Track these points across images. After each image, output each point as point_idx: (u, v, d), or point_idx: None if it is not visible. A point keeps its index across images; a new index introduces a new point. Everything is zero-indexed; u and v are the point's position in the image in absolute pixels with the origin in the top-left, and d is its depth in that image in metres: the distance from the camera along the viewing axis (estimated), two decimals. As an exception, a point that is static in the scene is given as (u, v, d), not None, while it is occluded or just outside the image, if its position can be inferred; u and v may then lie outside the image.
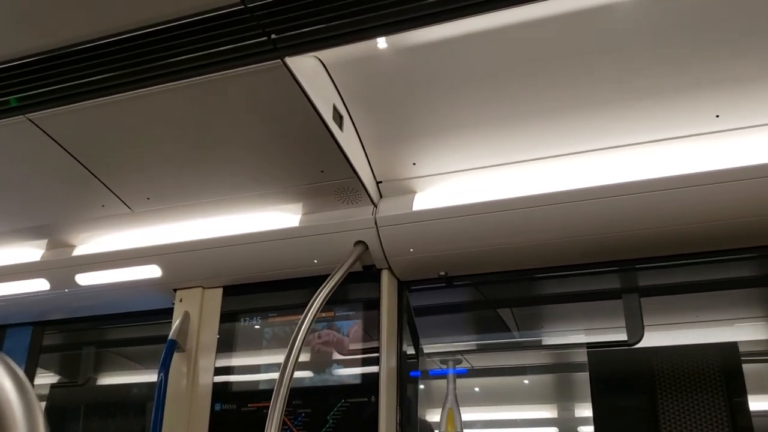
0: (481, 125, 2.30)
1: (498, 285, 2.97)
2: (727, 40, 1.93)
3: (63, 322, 3.51)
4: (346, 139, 2.31)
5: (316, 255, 2.67)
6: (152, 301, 3.12)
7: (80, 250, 3.06)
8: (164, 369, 2.75)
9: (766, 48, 1.94)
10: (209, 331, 2.90)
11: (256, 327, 2.85)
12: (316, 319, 2.28)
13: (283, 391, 2.05)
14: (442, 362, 2.97)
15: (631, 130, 2.23)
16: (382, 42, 2.02)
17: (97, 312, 3.33)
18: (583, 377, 2.94)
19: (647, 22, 1.91)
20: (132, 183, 2.64)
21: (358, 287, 2.70)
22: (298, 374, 2.62)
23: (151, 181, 2.61)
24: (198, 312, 2.93)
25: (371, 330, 2.64)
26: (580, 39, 1.97)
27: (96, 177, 2.60)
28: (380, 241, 2.56)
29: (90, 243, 3.06)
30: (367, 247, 2.58)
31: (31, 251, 3.15)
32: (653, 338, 2.69)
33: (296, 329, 2.19)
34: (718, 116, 2.13)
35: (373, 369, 2.57)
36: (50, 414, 3.79)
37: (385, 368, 2.57)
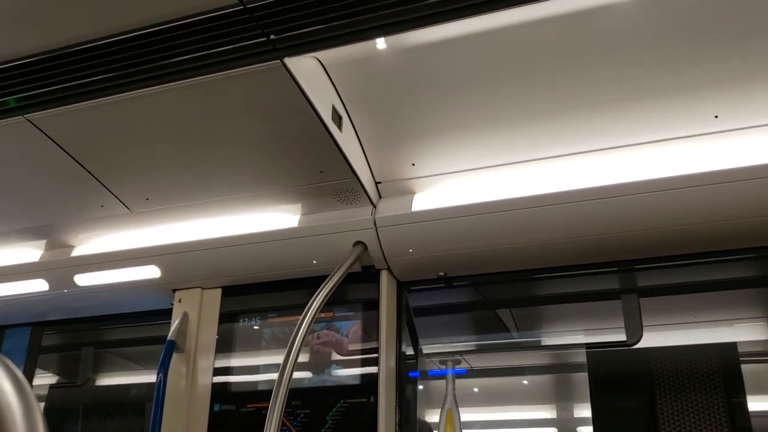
0: (481, 126, 2.30)
1: (497, 285, 2.97)
2: (726, 41, 1.93)
3: (62, 322, 3.51)
4: (345, 139, 2.31)
5: (315, 255, 2.67)
6: (151, 301, 3.12)
7: (79, 251, 3.05)
8: (163, 369, 2.75)
9: (764, 49, 1.94)
10: (208, 331, 2.90)
11: (255, 327, 2.85)
12: (315, 320, 2.28)
13: (282, 392, 2.05)
14: (441, 363, 2.96)
15: (630, 131, 2.24)
16: (381, 42, 2.02)
17: (96, 312, 3.33)
18: (582, 377, 2.94)
19: (646, 23, 1.91)
20: (131, 183, 2.64)
21: (357, 288, 2.70)
22: (297, 375, 2.62)
23: (150, 181, 2.61)
24: (197, 312, 2.93)
25: (370, 330, 2.64)
26: (579, 40, 1.97)
27: (95, 177, 2.60)
28: (379, 241, 2.56)
29: (89, 243, 3.05)
30: (366, 248, 2.58)
31: (30, 252, 3.15)
32: (652, 339, 2.69)
33: (295, 330, 2.19)
34: (716, 117, 2.14)
35: (372, 369, 2.57)
36: (49, 415, 3.79)
37: (384, 369, 2.57)
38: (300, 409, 2.62)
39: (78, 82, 2.10)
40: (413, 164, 2.48)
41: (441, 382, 2.90)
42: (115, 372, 4.27)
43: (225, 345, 2.85)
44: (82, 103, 2.19)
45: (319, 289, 2.31)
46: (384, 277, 2.68)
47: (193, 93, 2.14)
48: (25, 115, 2.28)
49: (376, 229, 2.54)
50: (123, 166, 2.55)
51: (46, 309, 3.33)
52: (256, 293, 2.88)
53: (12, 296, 3.21)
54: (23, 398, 0.81)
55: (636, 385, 2.80)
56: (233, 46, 1.94)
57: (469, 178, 2.48)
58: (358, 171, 2.41)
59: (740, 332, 3.39)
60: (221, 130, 2.32)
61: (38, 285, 3.13)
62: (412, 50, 2.05)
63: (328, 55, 2.10)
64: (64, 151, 2.46)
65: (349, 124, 2.35)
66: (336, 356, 2.66)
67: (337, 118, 2.26)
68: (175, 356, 2.82)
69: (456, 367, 2.93)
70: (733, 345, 2.75)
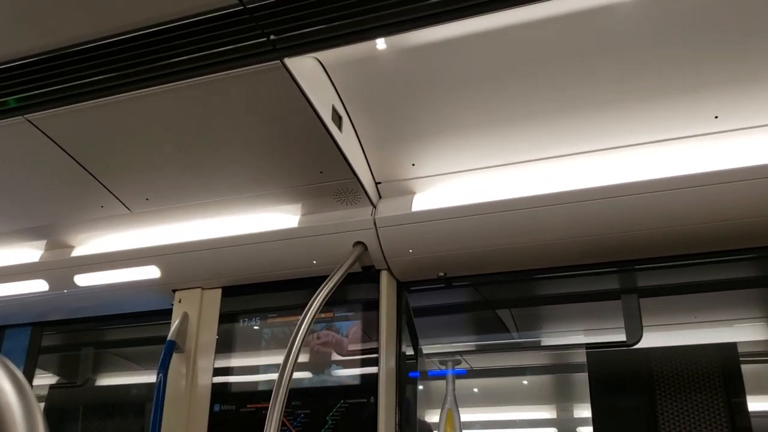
0: (481, 126, 2.30)
1: (497, 285, 2.97)
2: (727, 42, 1.93)
3: (62, 322, 3.51)
4: (345, 139, 2.31)
5: (315, 256, 2.67)
6: (151, 301, 3.12)
7: (79, 251, 3.05)
8: (163, 370, 2.75)
9: (765, 49, 1.94)
10: (208, 331, 2.89)
11: (255, 328, 2.85)
12: (315, 320, 2.28)
13: (282, 392, 2.05)
14: (441, 363, 2.96)
15: (631, 131, 2.24)
16: (381, 43, 2.02)
17: (95, 313, 3.33)
18: (582, 378, 2.94)
19: (647, 23, 1.91)
20: (131, 184, 2.64)
21: (357, 288, 2.70)
22: (297, 375, 2.62)
23: (150, 181, 2.61)
24: (197, 313, 2.93)
25: (370, 331, 2.64)
26: (580, 40, 1.97)
27: (95, 178, 2.60)
28: (379, 241, 2.56)
29: (89, 244, 3.05)
30: (366, 248, 2.58)
31: (30, 252, 3.15)
32: (652, 339, 2.69)
33: (295, 330, 2.19)
34: (716, 117, 2.14)
35: (372, 370, 2.57)
36: (49, 415, 3.79)
37: (384, 369, 2.57)
38: (300, 409, 2.62)
39: (78, 82, 2.10)
40: (413, 164, 2.48)
41: (441, 383, 2.90)
42: (115, 372, 4.27)
43: (225, 345, 2.85)
44: (82, 104, 2.19)
45: (319, 290, 2.31)
46: (384, 277, 2.68)
47: (193, 93, 2.14)
48: (25, 116, 2.28)
49: (376, 229, 2.54)
50: (123, 167, 2.55)
51: (46, 309, 3.33)
52: (256, 293, 2.88)
53: (12, 296, 3.21)
54: (23, 398, 0.81)
55: (636, 385, 2.80)
56: (233, 46, 1.94)
57: (469, 179, 2.48)
58: (358, 171, 2.41)
59: (740, 332, 3.39)
60: (221, 130, 2.32)
61: (38, 285, 3.13)
62: (412, 50, 2.05)
63: (328, 55, 2.10)
64: (64, 151, 2.46)
65: (349, 124, 2.35)
66: (336, 356, 2.66)
67: (337, 119, 2.26)
68: (175, 356, 2.82)
69: (456, 367, 2.92)
70: (733, 345, 2.75)
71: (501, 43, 2.01)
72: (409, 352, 2.83)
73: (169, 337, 2.82)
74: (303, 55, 2.02)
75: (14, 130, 2.34)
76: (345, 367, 2.63)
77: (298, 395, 2.62)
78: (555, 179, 2.33)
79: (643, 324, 2.59)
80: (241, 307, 2.89)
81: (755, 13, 1.85)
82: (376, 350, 2.60)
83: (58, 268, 3.06)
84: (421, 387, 3.14)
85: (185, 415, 2.77)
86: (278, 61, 1.96)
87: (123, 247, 2.93)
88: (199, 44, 1.94)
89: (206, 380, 2.81)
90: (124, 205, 2.74)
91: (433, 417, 3.13)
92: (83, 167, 2.54)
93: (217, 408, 2.75)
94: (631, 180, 2.22)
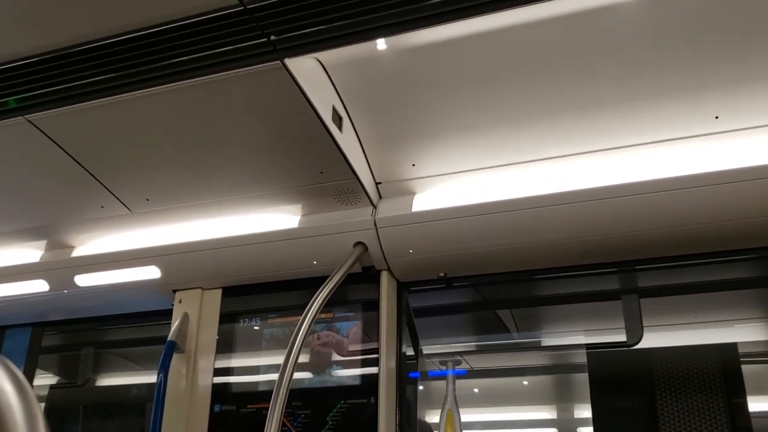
0: (481, 126, 2.30)
1: (497, 286, 2.97)
2: (728, 42, 1.93)
3: (62, 323, 3.51)
4: (346, 140, 2.31)
5: (315, 256, 2.67)
6: (151, 302, 3.12)
7: (79, 251, 3.05)
8: (163, 370, 2.75)
9: (766, 50, 1.94)
10: (208, 332, 2.89)
11: (256, 328, 2.85)
12: (315, 320, 2.28)
13: (283, 392, 2.05)
14: (442, 363, 2.96)
15: (632, 131, 2.24)
16: (381, 43, 2.02)
17: (96, 313, 3.33)
18: (583, 378, 2.94)
19: (648, 24, 1.91)
20: (131, 184, 2.64)
21: (357, 288, 2.70)
22: (297, 375, 2.62)
23: (151, 182, 2.61)
24: (197, 313, 2.93)
25: (370, 331, 2.64)
26: (581, 40, 1.97)
27: (95, 178, 2.60)
28: (379, 242, 2.55)
29: (89, 244, 3.05)
30: (366, 248, 2.58)
31: (31, 252, 3.15)
32: (652, 339, 2.69)
33: (295, 330, 2.19)
34: (717, 117, 2.14)
35: (373, 370, 2.57)
36: (49, 415, 3.79)
37: (385, 369, 2.57)
38: (300, 409, 2.62)
39: (78, 82, 2.10)
40: (413, 165, 2.48)
41: (441, 383, 2.90)
42: (115, 372, 4.27)
43: (225, 345, 2.85)
44: (82, 104, 2.19)
45: (320, 290, 2.31)
46: (384, 277, 2.68)
47: (194, 93, 2.14)
48: (25, 116, 2.28)
49: (377, 229, 2.54)
50: (123, 167, 2.55)
51: (46, 309, 3.33)
52: (257, 294, 2.88)
53: (12, 296, 3.21)
54: (24, 399, 0.81)
55: (636, 385, 2.80)
56: (234, 46, 1.94)
57: (469, 179, 2.47)
58: (359, 171, 2.41)
59: (740, 333, 3.39)
60: (221, 130, 2.32)
61: (39, 285, 3.13)
62: (412, 51, 2.05)
63: (328, 55, 2.10)
64: (65, 151, 2.46)
65: (350, 124, 2.35)
66: (336, 357, 2.66)
67: (338, 119, 2.26)
68: (175, 357, 2.82)
69: (456, 367, 2.92)
70: (733, 345, 2.75)
71: (501, 43, 2.01)
72: (410, 352, 2.83)
73: (169, 338, 2.82)
74: (303, 55, 2.02)
75: (14, 131, 2.34)
76: (345, 368, 2.63)
77: (298, 396, 2.62)
78: (555, 179, 2.33)
79: (644, 324, 2.59)
80: (241, 307, 2.89)
81: (756, 14, 1.85)
82: (376, 350, 2.60)
83: (59, 268, 3.06)
84: (421, 387, 3.14)
85: (185, 416, 2.77)
86: (278, 62, 1.96)
87: (123, 248, 2.93)
88: (200, 44, 1.94)
89: (206, 380, 2.81)
90: (124, 205, 2.74)
91: (433, 417, 3.13)
92: (83, 167, 2.54)
93: (217, 408, 2.75)
94: (631, 180, 2.22)
